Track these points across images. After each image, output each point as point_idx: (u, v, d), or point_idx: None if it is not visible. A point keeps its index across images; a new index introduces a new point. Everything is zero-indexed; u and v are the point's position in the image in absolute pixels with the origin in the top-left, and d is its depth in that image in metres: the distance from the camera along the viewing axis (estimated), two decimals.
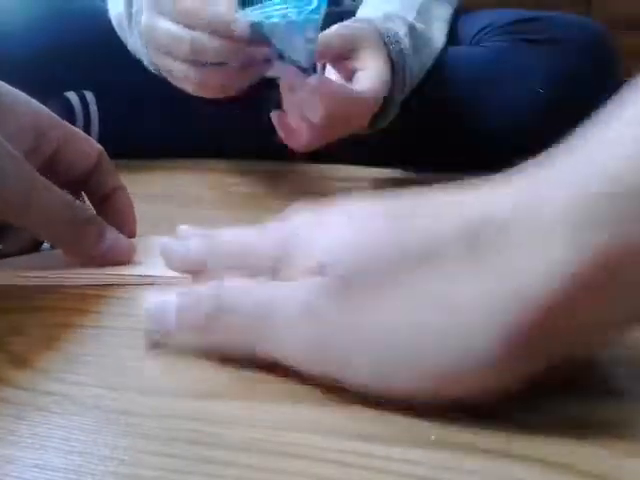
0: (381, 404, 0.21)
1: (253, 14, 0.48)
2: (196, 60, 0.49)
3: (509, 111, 0.64)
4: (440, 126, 0.66)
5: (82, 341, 0.27)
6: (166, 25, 0.49)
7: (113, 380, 0.24)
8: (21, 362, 0.25)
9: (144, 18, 0.53)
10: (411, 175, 0.66)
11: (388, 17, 0.58)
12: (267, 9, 0.48)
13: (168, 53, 0.50)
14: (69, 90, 0.75)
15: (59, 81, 0.73)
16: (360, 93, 0.49)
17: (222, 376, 0.24)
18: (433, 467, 0.18)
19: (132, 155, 0.74)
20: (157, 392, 0.23)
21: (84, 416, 0.21)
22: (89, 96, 0.76)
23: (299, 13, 0.47)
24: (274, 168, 0.67)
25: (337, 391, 0.22)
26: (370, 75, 0.51)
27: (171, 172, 0.67)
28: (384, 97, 0.53)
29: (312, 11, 0.47)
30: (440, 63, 0.66)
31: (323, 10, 0.47)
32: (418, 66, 0.60)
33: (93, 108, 0.76)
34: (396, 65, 0.53)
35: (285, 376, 0.23)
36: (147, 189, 0.60)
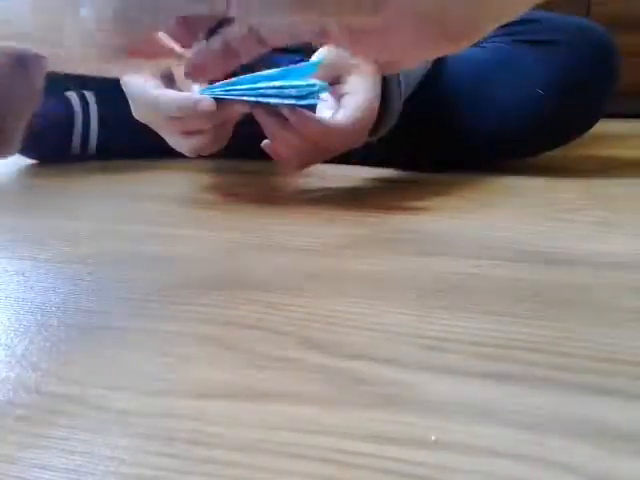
0: (381, 404, 0.22)
1: (248, 88, 0.50)
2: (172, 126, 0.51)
3: (509, 112, 0.64)
4: (440, 126, 0.66)
5: (83, 341, 0.27)
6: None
7: (114, 380, 0.24)
8: (24, 362, 0.25)
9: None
10: (411, 175, 0.66)
11: None
12: (261, 84, 0.49)
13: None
14: (69, 90, 0.75)
15: (59, 81, 0.73)
16: (336, 123, 0.50)
17: (222, 376, 0.24)
18: (433, 467, 0.18)
19: (132, 155, 0.74)
20: (157, 392, 0.23)
21: (85, 416, 0.21)
22: (89, 96, 0.76)
23: (299, 96, 0.49)
24: (273, 169, 0.67)
25: (337, 390, 0.22)
26: (353, 101, 0.51)
27: (170, 172, 0.67)
28: (381, 106, 0.53)
29: (311, 94, 0.48)
30: (440, 64, 0.66)
31: (322, 94, 0.49)
32: (415, 72, 0.61)
33: (93, 108, 0.76)
34: (388, 77, 0.54)
35: (283, 374, 0.23)
36: (147, 189, 0.60)
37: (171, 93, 0.51)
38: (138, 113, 0.54)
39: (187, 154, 0.54)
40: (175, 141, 0.53)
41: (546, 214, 0.48)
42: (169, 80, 0.54)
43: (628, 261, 0.37)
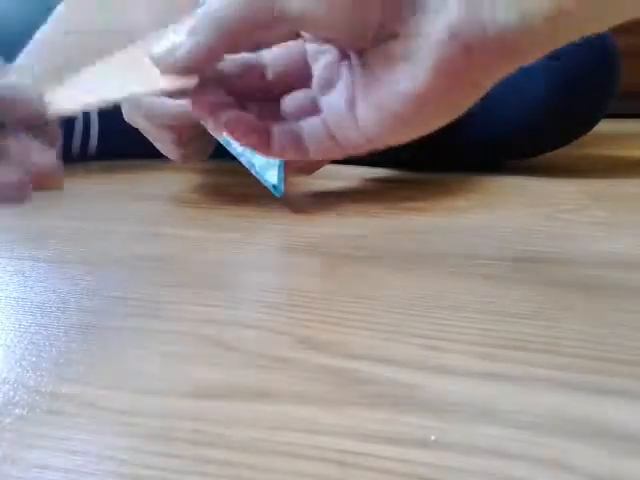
0: (381, 404, 0.22)
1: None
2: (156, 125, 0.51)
3: (509, 112, 0.64)
4: (439, 128, 0.66)
5: (83, 341, 0.27)
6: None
7: (114, 380, 0.24)
8: (24, 361, 0.25)
9: None
10: (411, 175, 0.66)
11: None
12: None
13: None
14: None
15: None
16: None
17: (222, 376, 0.24)
18: (433, 467, 0.18)
19: (132, 155, 0.74)
20: (157, 392, 0.23)
21: (85, 416, 0.21)
22: None
23: (258, 173, 0.51)
24: None
25: (337, 390, 0.22)
26: None
27: (170, 173, 0.67)
28: None
29: (266, 181, 0.50)
30: None
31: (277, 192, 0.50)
32: None
33: None
34: None
35: (283, 374, 0.23)
36: (147, 189, 0.60)
37: (166, 101, 0.50)
38: (129, 116, 0.54)
39: (175, 160, 0.53)
40: (163, 147, 0.53)
41: (546, 214, 0.48)
42: None
43: (628, 261, 0.37)
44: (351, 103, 0.28)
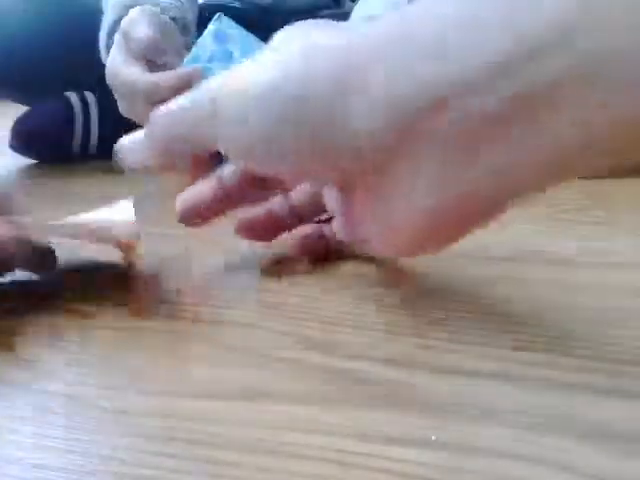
0: (381, 404, 0.22)
1: None
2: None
3: None
4: None
5: (83, 341, 0.27)
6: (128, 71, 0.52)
7: (113, 380, 0.24)
8: (23, 362, 0.25)
9: (109, 60, 0.55)
10: None
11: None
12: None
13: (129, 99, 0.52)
14: (69, 90, 0.75)
15: (59, 81, 0.73)
16: None
17: (222, 376, 0.24)
18: (433, 467, 0.18)
19: None
20: (157, 392, 0.23)
21: (85, 416, 0.21)
22: (89, 96, 0.76)
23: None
24: None
25: (337, 390, 0.22)
26: None
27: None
28: None
29: None
30: None
31: None
32: None
33: (93, 108, 0.76)
34: None
35: (283, 374, 0.23)
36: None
37: (152, 75, 0.50)
38: (122, 106, 0.53)
39: None
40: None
41: (546, 214, 0.48)
42: (154, 65, 0.54)
43: (628, 261, 0.37)
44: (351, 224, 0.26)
